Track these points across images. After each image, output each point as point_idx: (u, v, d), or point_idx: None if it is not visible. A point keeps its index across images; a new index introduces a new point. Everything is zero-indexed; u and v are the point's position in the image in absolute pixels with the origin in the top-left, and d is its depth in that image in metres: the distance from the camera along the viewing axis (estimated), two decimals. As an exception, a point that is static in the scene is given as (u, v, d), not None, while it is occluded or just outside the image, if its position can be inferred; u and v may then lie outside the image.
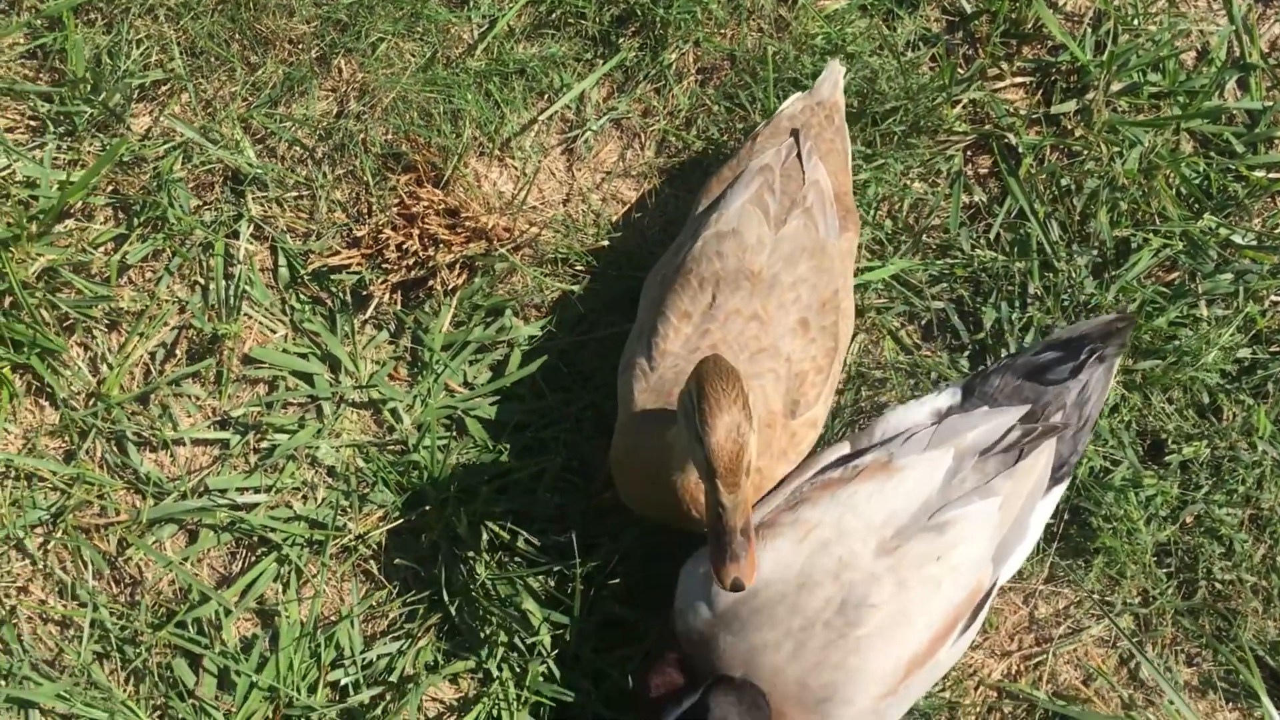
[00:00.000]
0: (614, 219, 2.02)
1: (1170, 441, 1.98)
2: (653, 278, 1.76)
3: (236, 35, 1.99)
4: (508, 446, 1.90)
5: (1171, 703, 1.88)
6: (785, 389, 1.59)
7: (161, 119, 1.96)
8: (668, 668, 1.59)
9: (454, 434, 1.93)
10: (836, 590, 1.52)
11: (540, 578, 1.86)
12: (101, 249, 1.93)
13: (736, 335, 1.59)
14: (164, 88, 1.97)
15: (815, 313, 1.62)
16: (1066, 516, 1.96)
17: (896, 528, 1.55)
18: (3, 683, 1.79)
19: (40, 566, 1.86)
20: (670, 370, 1.59)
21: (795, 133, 1.71)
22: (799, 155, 1.69)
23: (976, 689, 1.93)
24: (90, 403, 1.89)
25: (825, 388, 1.63)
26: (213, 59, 1.97)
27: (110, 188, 1.93)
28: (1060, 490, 1.70)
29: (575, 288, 1.98)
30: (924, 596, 1.53)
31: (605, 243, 2.00)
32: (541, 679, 1.82)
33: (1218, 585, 1.96)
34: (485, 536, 1.86)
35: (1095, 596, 1.94)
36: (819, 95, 1.79)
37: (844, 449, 1.68)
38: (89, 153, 1.94)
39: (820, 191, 1.68)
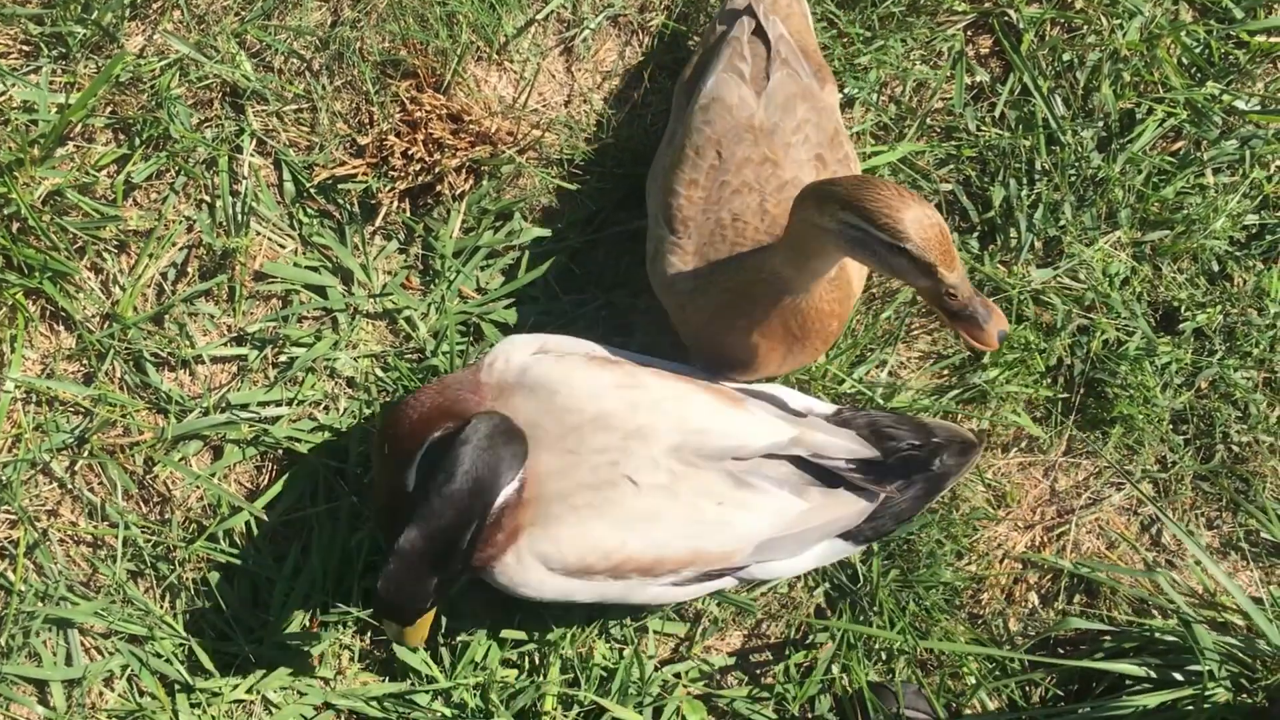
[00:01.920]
0: (617, 117, 2.01)
1: (1183, 310, 1.99)
2: (652, 175, 1.76)
3: (225, -51, 1.97)
4: (525, 348, 1.91)
5: (1198, 561, 1.91)
6: None
7: (155, 36, 1.94)
8: (458, 399, 1.56)
9: (471, 339, 1.93)
10: (618, 446, 1.50)
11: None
12: (105, 171, 1.91)
13: (754, 179, 1.59)
14: (156, 4, 1.94)
15: (827, 148, 1.63)
16: (1082, 390, 1.97)
17: (700, 446, 1.53)
18: (41, 604, 1.80)
19: (69, 489, 1.86)
20: (703, 231, 1.61)
21: (748, 7, 1.70)
22: (758, 27, 1.69)
23: (1001, 562, 1.95)
24: (105, 325, 1.88)
25: None
26: (203, -27, 1.94)
27: (109, 108, 1.91)
28: (844, 548, 1.67)
29: (582, 187, 1.97)
30: (677, 516, 1.52)
31: (610, 140, 1.99)
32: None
33: (1235, 448, 1.98)
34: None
35: (1114, 465, 1.97)
36: None
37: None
38: (85, 74, 1.91)
39: (788, 44, 1.68)
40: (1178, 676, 1.76)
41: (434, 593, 1.46)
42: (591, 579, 1.53)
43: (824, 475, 1.61)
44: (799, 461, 1.60)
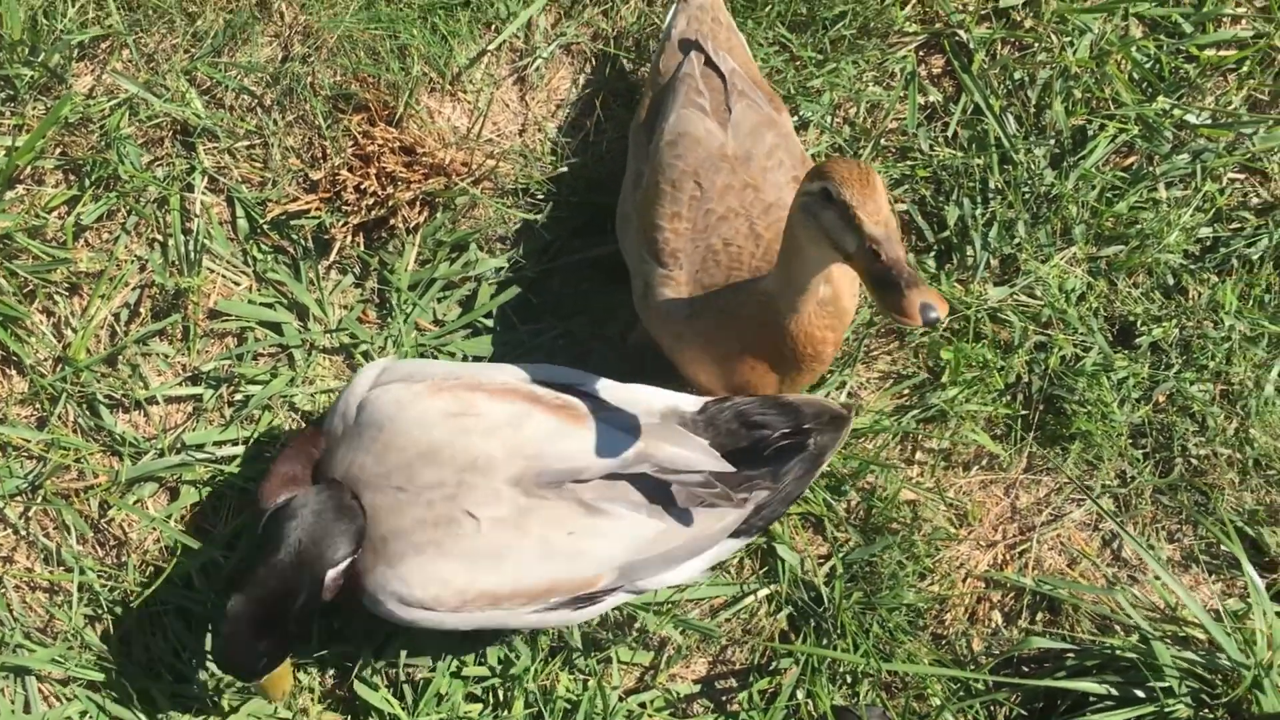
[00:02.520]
0: (571, 145, 2.00)
1: (1139, 324, 2.00)
2: (623, 219, 1.75)
3: (172, -14, 1.96)
4: (483, 379, 1.90)
5: (1158, 576, 1.91)
6: None
7: (104, 76, 1.93)
8: (298, 463, 1.60)
9: (428, 372, 1.93)
10: (453, 480, 1.49)
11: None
12: (55, 213, 1.90)
13: (739, 204, 1.59)
14: (104, 44, 1.93)
15: (800, 168, 1.65)
16: (1041, 406, 1.98)
17: (543, 471, 1.51)
18: (-4, 652, 1.79)
19: (23, 534, 1.85)
20: (694, 259, 1.60)
21: (696, 43, 1.71)
22: (707, 61, 1.69)
23: (965, 581, 1.96)
24: (58, 368, 1.87)
25: None
26: (150, 11, 1.93)
27: (58, 150, 1.90)
28: (739, 543, 1.64)
29: (538, 216, 1.97)
30: (529, 550, 1.50)
31: (564, 169, 1.98)
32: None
33: (1193, 461, 1.99)
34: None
35: (1074, 481, 1.97)
36: (695, 1, 1.79)
37: (577, 378, 1.65)
38: (33, 116, 1.90)
39: (741, 76, 1.69)
40: (1139, 694, 1.76)
41: (267, 653, 1.52)
42: (457, 611, 1.52)
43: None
44: (649, 483, 1.55)
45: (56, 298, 1.89)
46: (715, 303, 1.59)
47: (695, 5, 1.76)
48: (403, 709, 1.81)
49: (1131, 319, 2.01)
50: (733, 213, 1.61)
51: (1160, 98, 2.04)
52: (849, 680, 1.89)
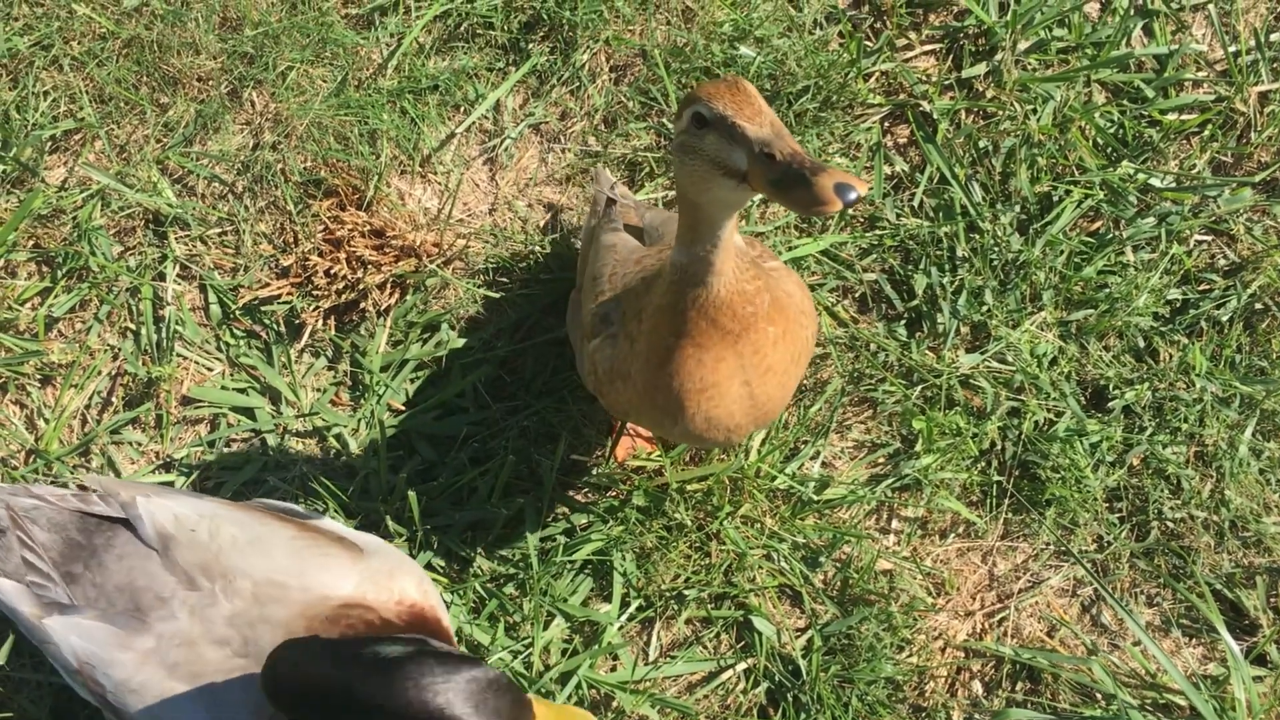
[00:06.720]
0: (541, 223, 2.02)
1: (1111, 388, 2.01)
2: (583, 371, 1.74)
3: (144, 78, 1.99)
4: (457, 460, 1.90)
5: (1137, 643, 1.90)
6: None
7: (76, 168, 1.95)
8: None
9: (401, 453, 1.93)
10: None
11: (497, 595, 1.86)
12: (28, 304, 1.92)
13: (655, 257, 1.56)
14: (76, 137, 1.96)
15: None
16: (1016, 472, 1.98)
17: None
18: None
19: (-4, 629, 1.84)
20: (621, 287, 1.59)
21: (607, 196, 1.79)
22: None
23: (944, 651, 1.94)
24: (30, 459, 1.88)
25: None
26: (122, 104, 1.96)
27: (31, 242, 1.92)
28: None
29: (508, 295, 1.98)
30: None
31: (535, 248, 2.00)
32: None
33: (1169, 524, 1.98)
34: (445, 551, 1.86)
35: (1057, 543, 1.97)
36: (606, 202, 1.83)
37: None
38: (5, 209, 1.92)
39: (646, 204, 1.77)
40: (1120, 766, 1.75)
41: None
42: None
43: None
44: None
45: (29, 389, 1.90)
46: (651, 300, 1.44)
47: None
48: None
49: (1103, 383, 2.01)
50: (648, 258, 1.57)
51: (1124, 162, 2.06)
52: (829, 756, 1.88)
